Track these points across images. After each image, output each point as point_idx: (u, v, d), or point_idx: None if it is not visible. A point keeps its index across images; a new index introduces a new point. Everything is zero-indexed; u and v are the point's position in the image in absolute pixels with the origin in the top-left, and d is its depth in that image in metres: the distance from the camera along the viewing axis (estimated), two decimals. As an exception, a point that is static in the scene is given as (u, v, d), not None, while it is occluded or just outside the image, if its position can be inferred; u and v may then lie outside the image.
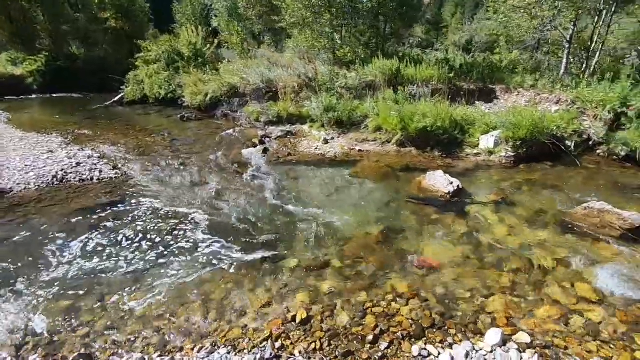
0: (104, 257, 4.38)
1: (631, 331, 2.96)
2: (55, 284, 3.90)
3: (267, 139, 8.93)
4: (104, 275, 4.04)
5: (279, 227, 5.06)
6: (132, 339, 3.08)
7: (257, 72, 10.53)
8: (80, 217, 5.32)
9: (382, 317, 3.15)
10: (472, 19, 25.70)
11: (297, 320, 3.10)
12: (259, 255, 4.35)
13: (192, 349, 2.86)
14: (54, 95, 16.87)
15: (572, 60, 8.98)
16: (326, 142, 8.46)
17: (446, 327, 3.03)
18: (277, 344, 2.83)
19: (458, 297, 3.47)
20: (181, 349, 2.89)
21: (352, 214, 5.38)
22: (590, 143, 7.58)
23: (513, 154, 7.32)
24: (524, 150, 7.33)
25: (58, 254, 4.46)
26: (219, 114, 11.17)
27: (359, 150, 8.13)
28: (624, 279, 3.72)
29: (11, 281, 3.92)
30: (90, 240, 4.73)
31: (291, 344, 2.86)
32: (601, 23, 8.48)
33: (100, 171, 6.73)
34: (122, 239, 4.78)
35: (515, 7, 9.29)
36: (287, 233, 4.89)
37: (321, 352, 2.76)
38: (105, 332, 3.20)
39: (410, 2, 10.97)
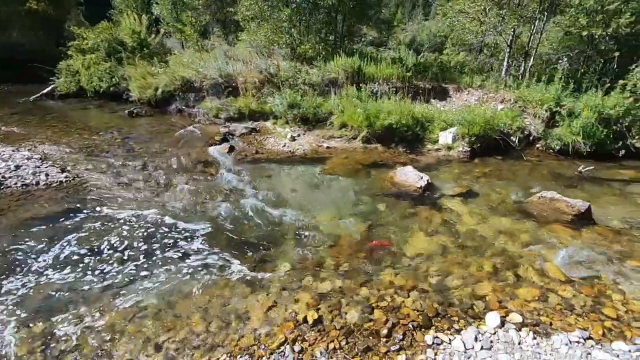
0: (74, 273, 3.94)
1: (597, 304, 3.43)
2: (21, 306, 3.43)
3: (231, 137, 8.61)
4: (76, 293, 3.64)
5: (261, 229, 4.95)
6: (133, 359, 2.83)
7: (214, 66, 10.05)
8: (33, 229, 4.70)
9: (389, 311, 3.27)
10: (410, 19, 27.13)
11: (310, 322, 3.09)
12: (247, 259, 4.24)
13: (206, 363, 2.72)
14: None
15: (511, 63, 9.94)
16: (293, 139, 8.40)
17: (449, 315, 3.25)
18: (296, 347, 2.81)
19: (451, 286, 3.72)
20: (193, 364, 2.74)
21: (332, 212, 5.45)
22: (531, 138, 8.50)
23: (469, 149, 7.94)
24: (478, 145, 8.00)
25: (16, 272, 3.91)
26: (173, 109, 10.47)
27: (327, 147, 8.21)
28: (580, 258, 4.28)
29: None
30: (52, 254, 4.22)
31: (309, 345, 2.86)
32: (534, 30, 9.49)
33: (47, 175, 5.97)
34: (89, 250, 4.33)
35: (463, 12, 10.01)
36: (272, 234, 4.81)
37: (341, 350, 2.80)
38: (96, 358, 2.90)
39: (367, 1, 11.24)
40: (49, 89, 12.55)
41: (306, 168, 7.28)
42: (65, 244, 4.43)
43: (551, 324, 3.14)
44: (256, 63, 10.01)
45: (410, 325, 3.07)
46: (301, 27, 11.06)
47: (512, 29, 9.35)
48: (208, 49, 11.43)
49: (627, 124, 7.71)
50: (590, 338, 2.93)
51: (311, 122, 8.97)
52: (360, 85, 9.31)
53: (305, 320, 3.14)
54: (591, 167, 7.14)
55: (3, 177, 5.68)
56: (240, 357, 2.77)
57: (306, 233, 4.85)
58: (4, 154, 6.49)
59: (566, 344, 2.81)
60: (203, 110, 9.91)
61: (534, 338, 2.90)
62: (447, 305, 3.39)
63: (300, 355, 2.76)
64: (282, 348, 2.83)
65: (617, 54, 7.99)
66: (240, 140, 8.52)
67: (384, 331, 2.98)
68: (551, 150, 8.21)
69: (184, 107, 10.40)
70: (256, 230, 4.89)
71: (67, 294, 3.64)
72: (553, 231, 4.90)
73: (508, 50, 9.71)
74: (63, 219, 4.99)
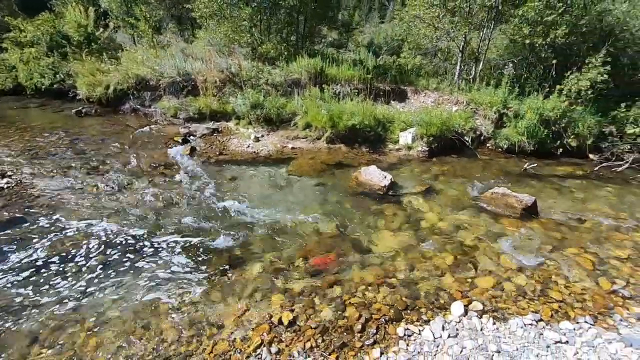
0: (22, 287, 3.63)
1: (545, 288, 3.79)
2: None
3: (192, 137, 8.34)
4: (32, 311, 3.37)
5: (228, 232, 4.87)
6: (99, 375, 2.68)
7: (172, 64, 9.66)
8: (-30, 241, 4.26)
9: (362, 307, 3.38)
10: (367, 22, 27.82)
11: (285, 323, 3.11)
12: (215, 264, 4.16)
13: (181, 372, 2.65)
14: None
15: (463, 67, 10.58)
16: (257, 140, 8.31)
17: (417, 307, 3.42)
18: (273, 349, 2.82)
19: (417, 279, 3.92)
20: (167, 375, 2.65)
21: (300, 212, 5.49)
22: (482, 138, 9.10)
23: (427, 149, 8.34)
24: (436, 145, 8.42)
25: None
26: (126, 109, 9.90)
27: (292, 148, 8.22)
28: (529, 248, 4.69)
29: None
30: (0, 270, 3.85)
31: (286, 346, 2.88)
32: (482, 36, 10.17)
33: (-16, 181, 5.42)
34: (41, 264, 4.02)
35: (419, 17, 10.48)
36: (240, 237, 4.75)
37: (318, 348, 2.85)
38: (57, 374, 2.71)
39: (328, 2, 11.38)
40: (-21, 85, 11.33)
41: (271, 169, 7.24)
42: (9, 256, 4.06)
43: (508, 309, 3.43)
44: (216, 62, 9.76)
45: (383, 320, 3.20)
46: (262, 27, 10.95)
47: (464, 35, 9.95)
48: (164, 45, 10.94)
49: (563, 125, 8.51)
50: (541, 320, 3.23)
51: (275, 122, 8.93)
52: (323, 86, 9.42)
53: (280, 321, 3.15)
54: (535, 164, 7.81)
55: None
56: (216, 363, 2.73)
57: (274, 234, 4.85)
58: None
59: (521, 327, 3.09)
60: (160, 110, 9.49)
61: (494, 323, 3.15)
62: (414, 298, 3.57)
63: (278, 356, 2.78)
64: (259, 351, 2.83)
65: (555, 61, 8.79)
66: (201, 141, 8.28)
67: (358, 327, 3.08)
68: (500, 149, 8.85)
69: (139, 107, 9.88)
70: (223, 234, 4.79)
71: (17, 311, 3.35)
72: (504, 224, 5.31)
73: (460, 55, 10.32)
74: (5, 229, 4.56)
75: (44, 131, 8.14)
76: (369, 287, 3.71)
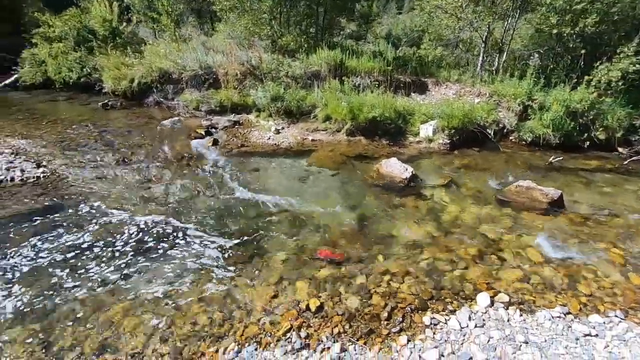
0: (63, 270, 3.83)
1: (573, 282, 3.75)
2: (13, 306, 3.32)
3: (214, 130, 8.49)
4: (69, 291, 3.56)
5: (254, 220, 4.99)
6: (139, 353, 2.83)
7: (194, 57, 9.81)
8: (14, 227, 4.51)
9: (387, 296, 3.43)
10: (385, 13, 27.41)
11: (312, 309, 3.20)
12: (242, 251, 4.27)
13: (216, 352, 2.77)
14: None
15: (485, 58, 10.35)
16: (278, 132, 8.40)
17: (442, 297, 3.45)
18: (302, 333, 2.91)
19: (441, 270, 3.93)
20: (202, 354, 2.78)
21: (322, 203, 5.55)
22: (505, 131, 8.92)
23: (448, 141, 8.24)
24: (457, 137, 8.32)
25: (2, 271, 3.76)
26: (150, 102, 10.14)
27: (312, 140, 8.27)
28: (555, 241, 4.62)
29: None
30: (41, 253, 4.08)
31: (315, 331, 2.97)
32: (506, 26, 9.90)
33: (22, 170, 5.70)
34: (77, 248, 4.22)
35: (440, 8, 10.29)
36: (264, 226, 4.86)
37: (345, 334, 2.92)
38: (100, 352, 2.87)
39: (348, -6, 11.31)
40: (11, 79, 11.80)
41: (293, 161, 7.32)
42: (51, 242, 4.29)
43: (534, 301, 3.41)
44: (237, 55, 9.86)
45: (408, 308, 3.24)
46: (281, 19, 10.97)
47: (487, 25, 9.72)
48: (185, 39, 11.11)
49: (591, 117, 8.26)
50: (569, 313, 3.21)
51: (295, 115, 8.98)
52: (343, 78, 9.40)
53: (308, 308, 3.24)
54: (560, 158, 7.62)
55: (-26, 173, 5.37)
56: (248, 345, 2.84)
57: (298, 225, 4.93)
58: (-29, 149, 6.12)
59: (549, 319, 3.08)
60: (183, 102, 9.67)
61: (521, 315, 3.15)
62: (439, 289, 3.59)
63: (307, 340, 2.86)
64: (289, 335, 2.92)
65: (583, 51, 8.50)
66: (223, 133, 8.42)
67: (384, 315, 3.13)
68: (523, 142, 8.67)
69: (162, 100, 10.10)
70: (248, 223, 4.91)
71: (59, 291, 3.55)
72: (530, 217, 5.24)
73: (483, 45, 10.09)
74: (45, 216, 4.81)
75: (73, 123, 8.44)
76: (394, 277, 3.75)
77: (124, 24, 12.92)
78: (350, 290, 3.54)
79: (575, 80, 8.61)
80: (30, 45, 11.94)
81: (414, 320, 3.11)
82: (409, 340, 2.85)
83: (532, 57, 8.85)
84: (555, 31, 8.51)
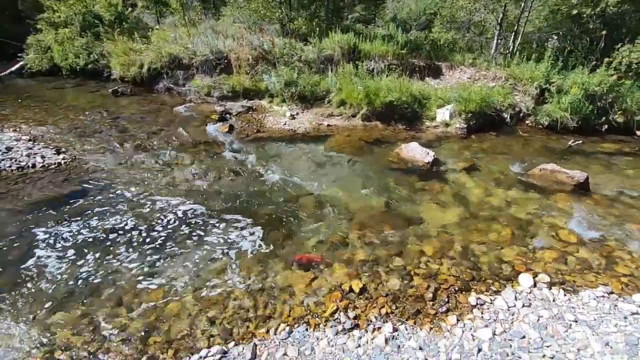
0: (96, 255, 3.81)
1: (610, 263, 3.74)
2: (51, 290, 3.31)
3: (228, 115, 8.39)
4: (110, 276, 3.55)
5: (281, 205, 4.96)
6: (189, 335, 2.83)
7: (205, 42, 9.63)
8: (41, 212, 4.48)
9: (428, 277, 3.42)
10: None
11: (356, 291, 3.19)
12: (273, 235, 4.25)
13: (267, 332, 2.76)
14: None
15: (500, 41, 10.17)
16: (293, 117, 8.30)
17: (483, 278, 3.44)
18: (350, 314, 2.90)
19: (477, 252, 3.92)
20: (253, 335, 2.77)
21: (346, 187, 5.51)
22: (521, 115, 8.83)
23: (465, 126, 8.16)
24: (474, 122, 8.23)
25: (36, 256, 3.74)
26: (160, 88, 9.99)
27: (328, 125, 8.18)
28: (586, 223, 4.61)
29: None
30: (71, 238, 4.06)
31: (362, 312, 2.96)
32: (522, 7, 9.70)
33: (43, 157, 5.64)
34: (107, 233, 4.20)
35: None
36: (291, 210, 4.83)
37: (393, 314, 2.92)
38: (147, 334, 2.87)
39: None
40: (17, 66, 11.61)
41: (310, 146, 7.25)
42: (80, 227, 4.26)
43: (575, 282, 3.41)
44: (248, 39, 9.68)
45: (452, 289, 3.24)
46: (292, 2, 10.73)
47: (503, 7, 9.52)
48: (195, 23, 10.88)
49: (610, 100, 8.15)
50: (612, 292, 3.21)
51: (309, 100, 8.87)
52: (356, 62, 9.24)
53: (351, 289, 3.23)
54: (580, 141, 7.55)
55: (-5, 160, 5.31)
56: (297, 325, 2.83)
57: (324, 208, 4.90)
58: (-12, 136, 6.04)
59: (594, 299, 3.07)
60: (194, 88, 9.54)
61: (565, 295, 3.14)
62: (478, 270, 3.59)
63: (356, 320, 2.86)
64: (336, 315, 2.92)
65: (604, 32, 8.34)
66: (238, 119, 8.32)
67: (429, 295, 3.13)
68: (540, 126, 8.58)
69: (172, 86, 9.96)
70: (275, 207, 4.88)
71: (97, 276, 3.54)
72: (557, 200, 5.21)
73: (498, 28, 9.91)
74: (70, 202, 4.77)
75: (86, 110, 8.33)
76: (430, 259, 3.74)
77: (129, 9, 12.66)
78: (389, 272, 3.52)
79: (594, 62, 8.47)
80: (35, 31, 11.70)
81: (459, 301, 3.10)
82: (458, 320, 2.84)
83: (550, 39, 8.69)
84: (575, 12, 8.33)
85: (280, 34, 10.51)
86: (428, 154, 6.38)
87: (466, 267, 3.62)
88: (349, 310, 2.97)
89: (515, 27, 9.99)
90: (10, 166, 5.30)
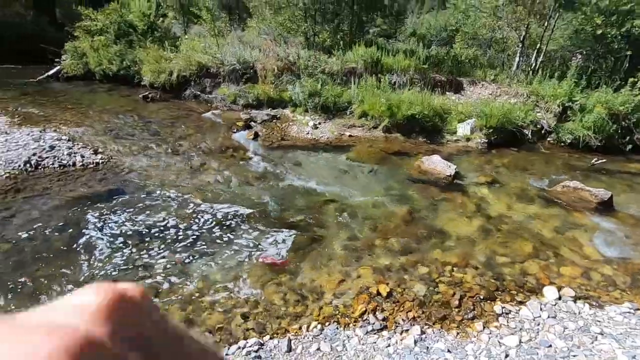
0: (134, 250, 4.03)
1: (636, 281, 3.75)
2: (92, 281, 3.52)
3: (253, 123, 8.67)
4: (147, 270, 3.75)
5: (306, 210, 5.12)
6: (224, 328, 2.99)
7: (232, 52, 10.02)
8: (81, 209, 4.74)
9: (453, 285, 3.51)
10: (411, 12, 27.25)
11: (383, 295, 3.30)
12: (298, 238, 4.40)
13: (299, 329, 2.90)
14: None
15: (522, 58, 10.26)
16: (315, 127, 8.53)
17: (508, 289, 3.51)
18: (379, 316, 3.02)
19: (500, 264, 3.99)
20: (286, 330, 2.91)
21: (368, 196, 5.65)
22: (543, 132, 8.86)
23: (486, 141, 8.23)
24: (495, 137, 8.30)
25: (78, 250, 3.98)
26: (188, 95, 10.39)
27: (349, 136, 8.37)
28: (610, 241, 4.62)
29: (42, 282, 3.45)
30: (109, 233, 4.29)
31: (390, 314, 3.07)
32: (546, 26, 9.80)
33: (82, 156, 5.96)
34: (145, 229, 4.42)
35: (476, 7, 10.24)
36: (317, 215, 4.98)
37: (420, 319, 3.02)
38: (186, 324, 3.04)
39: (383, -7, 11.36)
40: (54, 70, 12.24)
41: (332, 155, 7.44)
42: (119, 223, 4.50)
43: (600, 297, 3.44)
44: (274, 50, 10.03)
45: (477, 298, 3.32)
46: (316, 16, 11.09)
47: (526, 25, 9.64)
48: (224, 34, 11.33)
49: (634, 120, 8.13)
50: (638, 309, 3.23)
51: (331, 111, 9.09)
52: (379, 75, 9.46)
53: (378, 293, 3.34)
54: (603, 160, 7.53)
55: (40, 157, 5.65)
56: (328, 324, 2.97)
57: (348, 215, 5.04)
58: (33, 134, 6.42)
59: (620, 314, 3.11)
60: (221, 96, 9.89)
61: (590, 309, 3.19)
62: (502, 280, 3.66)
63: (385, 322, 2.97)
64: (365, 317, 3.04)
65: (629, 52, 8.36)
66: (262, 127, 8.59)
67: (455, 302, 3.22)
68: (562, 144, 8.59)
69: (199, 93, 10.34)
70: (300, 212, 5.04)
71: (135, 269, 3.74)
72: (580, 217, 5.23)
73: (521, 45, 10.01)
74: (107, 199, 5.03)
75: (119, 113, 8.74)
76: (455, 268, 3.83)
77: (160, 19, 13.25)
78: (414, 279, 3.63)
79: (618, 82, 8.47)
80: (73, 38, 12.35)
81: (484, 309, 3.18)
82: (484, 327, 2.93)
83: (574, 58, 8.75)
84: (599, 32, 8.39)
85: (305, 46, 10.85)
86: (449, 166, 6.48)
87: (490, 277, 3.69)
88: (377, 312, 3.09)
89: (538, 45, 10.08)
90: (53, 164, 5.63)
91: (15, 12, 17.63)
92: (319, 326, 2.92)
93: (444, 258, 4.04)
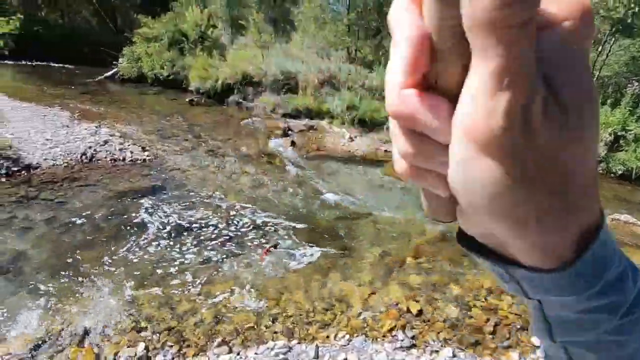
0: (173, 244, 4.22)
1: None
2: (135, 270, 3.72)
3: (291, 132, 8.88)
4: (183, 264, 3.91)
5: (338, 221, 5.14)
6: (253, 328, 3.04)
7: (276, 63, 10.39)
8: (127, 201, 5.03)
9: (488, 311, 3.38)
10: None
11: (414, 312, 3.23)
12: (331, 248, 4.41)
13: (327, 337, 2.90)
14: (29, 63, 15.35)
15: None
16: (352, 139, 8.59)
17: (548, 321, 3.32)
18: (409, 333, 2.96)
19: (540, 294, 3.79)
20: (314, 338, 2.92)
21: (402, 212, 5.58)
22: (591, 160, 8.39)
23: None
24: (538, 162, 7.96)
25: (124, 240, 4.22)
26: (230, 101, 10.85)
27: (385, 151, 8.35)
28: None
29: (90, 264, 3.69)
30: (149, 227, 4.51)
31: (419, 333, 3.00)
32: (599, 51, 9.38)
33: (131, 152, 6.36)
34: (183, 226, 4.61)
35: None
36: (351, 228, 4.98)
37: (451, 341, 2.93)
38: (217, 320, 3.13)
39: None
40: (111, 72, 13.22)
41: (367, 169, 7.45)
42: (161, 217, 4.74)
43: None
44: (316, 63, 10.28)
45: (513, 326, 3.17)
46: (359, 32, 11.28)
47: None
48: (268, 46, 11.82)
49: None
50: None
51: (368, 125, 9.15)
52: (419, 93, 9.42)
53: (408, 310, 3.28)
54: (659, 195, 7.01)
55: (95, 151, 6.09)
56: (356, 335, 2.94)
57: (381, 229, 5.01)
58: (90, 130, 6.94)
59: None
60: (262, 104, 10.24)
61: None
62: (542, 312, 3.46)
63: (414, 340, 2.90)
64: (394, 332, 2.99)
65: (692, 82, 7.83)
66: (299, 136, 8.77)
67: (489, 329, 3.09)
68: (612, 174, 8.10)
69: (241, 100, 10.77)
70: (333, 223, 5.07)
71: (172, 262, 3.91)
72: (630, 252, 4.87)
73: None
74: (153, 194, 5.32)
75: (166, 115, 9.26)
76: (489, 294, 3.68)
77: (211, 29, 14.00)
78: (446, 300, 3.52)
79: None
80: (130, 43, 13.31)
81: (520, 339, 3.03)
82: (520, 357, 2.79)
83: (629, 85, 8.29)
84: (660, 59, 7.93)
85: (346, 60, 11.04)
86: (488, 189, 6.28)
87: (527, 307, 3.51)
88: (406, 330, 3.02)
89: (591, 71, 9.64)
90: (105, 157, 6.05)
91: (84, 19, 19.36)
92: (347, 336, 2.90)
93: (479, 282, 3.90)
